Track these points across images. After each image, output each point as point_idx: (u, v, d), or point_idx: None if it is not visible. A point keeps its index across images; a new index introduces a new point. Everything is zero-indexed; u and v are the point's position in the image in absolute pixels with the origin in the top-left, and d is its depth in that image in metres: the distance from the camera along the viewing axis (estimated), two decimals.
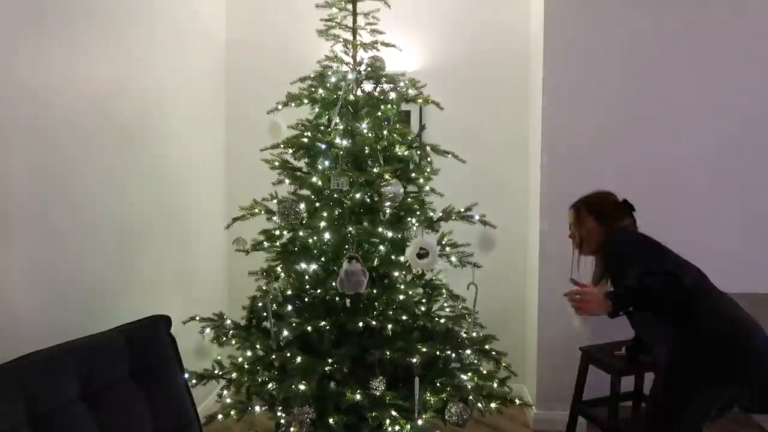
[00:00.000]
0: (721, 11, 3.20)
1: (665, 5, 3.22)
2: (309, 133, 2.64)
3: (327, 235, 2.50)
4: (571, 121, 3.31)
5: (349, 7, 2.71)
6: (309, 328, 2.45)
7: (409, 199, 2.63)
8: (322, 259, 2.59)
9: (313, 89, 2.68)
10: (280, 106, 2.68)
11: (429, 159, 2.76)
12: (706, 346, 1.96)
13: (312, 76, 2.69)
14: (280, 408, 2.45)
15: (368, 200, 2.56)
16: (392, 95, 2.69)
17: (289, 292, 2.63)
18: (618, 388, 2.82)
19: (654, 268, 1.97)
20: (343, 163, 2.52)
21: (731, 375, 1.93)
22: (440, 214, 2.66)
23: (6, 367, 1.61)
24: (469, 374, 2.58)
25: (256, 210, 2.68)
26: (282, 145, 2.65)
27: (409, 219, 2.63)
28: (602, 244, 2.30)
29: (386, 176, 2.44)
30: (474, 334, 2.67)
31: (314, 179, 2.60)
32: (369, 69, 2.67)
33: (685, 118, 3.25)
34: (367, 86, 2.72)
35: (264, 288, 2.63)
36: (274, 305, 2.52)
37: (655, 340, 2.23)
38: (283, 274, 2.68)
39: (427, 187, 2.75)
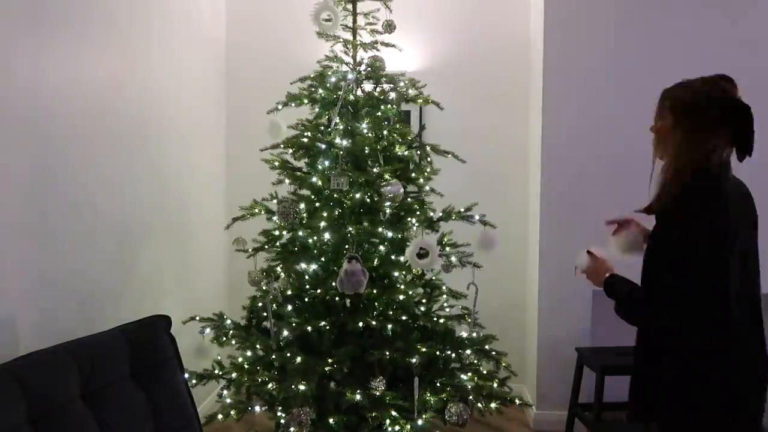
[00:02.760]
0: (723, 12, 3.20)
1: (666, 5, 3.22)
2: (309, 133, 2.64)
3: (327, 235, 2.50)
4: (570, 121, 3.31)
5: (349, 7, 2.71)
6: (309, 328, 2.45)
7: (409, 199, 2.63)
8: (322, 259, 2.59)
9: (313, 89, 2.68)
10: (280, 106, 2.68)
11: (429, 159, 2.76)
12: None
13: (312, 76, 2.69)
14: (280, 408, 2.46)
15: (368, 200, 2.56)
16: (392, 95, 2.69)
17: (289, 292, 2.63)
18: (601, 388, 2.83)
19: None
20: (343, 163, 2.51)
21: None
22: (440, 214, 2.66)
23: (6, 367, 1.61)
24: (469, 374, 2.59)
25: (256, 210, 2.68)
26: (282, 145, 2.65)
27: (409, 219, 2.63)
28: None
29: (386, 176, 2.44)
30: (474, 334, 2.67)
31: (314, 179, 2.60)
32: (369, 69, 2.67)
33: None
34: (367, 86, 2.72)
35: (264, 288, 2.63)
36: (274, 305, 2.52)
37: None
38: (283, 274, 2.68)
39: (427, 187, 2.75)
